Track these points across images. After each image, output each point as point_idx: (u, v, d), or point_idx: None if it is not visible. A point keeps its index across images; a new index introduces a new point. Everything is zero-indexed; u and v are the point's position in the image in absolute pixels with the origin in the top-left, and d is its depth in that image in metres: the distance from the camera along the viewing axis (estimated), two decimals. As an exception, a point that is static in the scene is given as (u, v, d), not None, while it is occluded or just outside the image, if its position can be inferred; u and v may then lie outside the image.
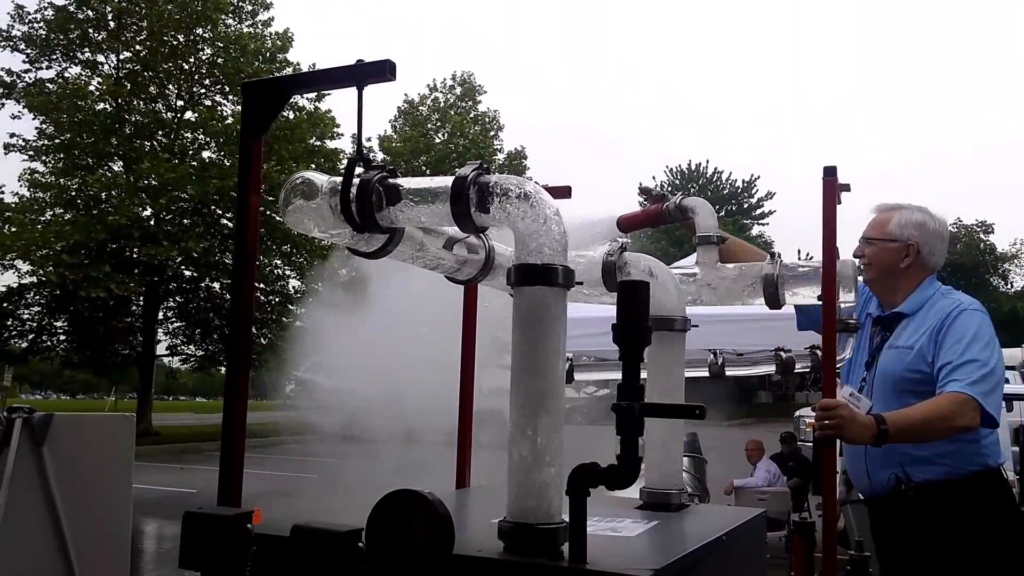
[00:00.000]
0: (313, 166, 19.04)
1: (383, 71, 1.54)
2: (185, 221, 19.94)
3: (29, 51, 19.84)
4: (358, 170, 1.60)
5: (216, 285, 21.49)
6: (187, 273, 20.90)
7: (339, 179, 1.61)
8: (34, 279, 19.50)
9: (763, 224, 45.94)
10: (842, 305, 2.31)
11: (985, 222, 41.88)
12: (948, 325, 2.43)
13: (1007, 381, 2.54)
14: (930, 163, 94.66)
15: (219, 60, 20.70)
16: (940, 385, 2.35)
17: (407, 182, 1.58)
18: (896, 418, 2.30)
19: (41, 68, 20.11)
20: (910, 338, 2.51)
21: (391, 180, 1.58)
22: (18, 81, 19.77)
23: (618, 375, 1.33)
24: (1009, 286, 42.06)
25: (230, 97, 21.26)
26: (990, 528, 2.37)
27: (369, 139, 27.04)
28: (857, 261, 2.68)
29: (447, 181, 1.50)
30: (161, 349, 22.34)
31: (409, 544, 1.20)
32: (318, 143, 21.88)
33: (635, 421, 1.30)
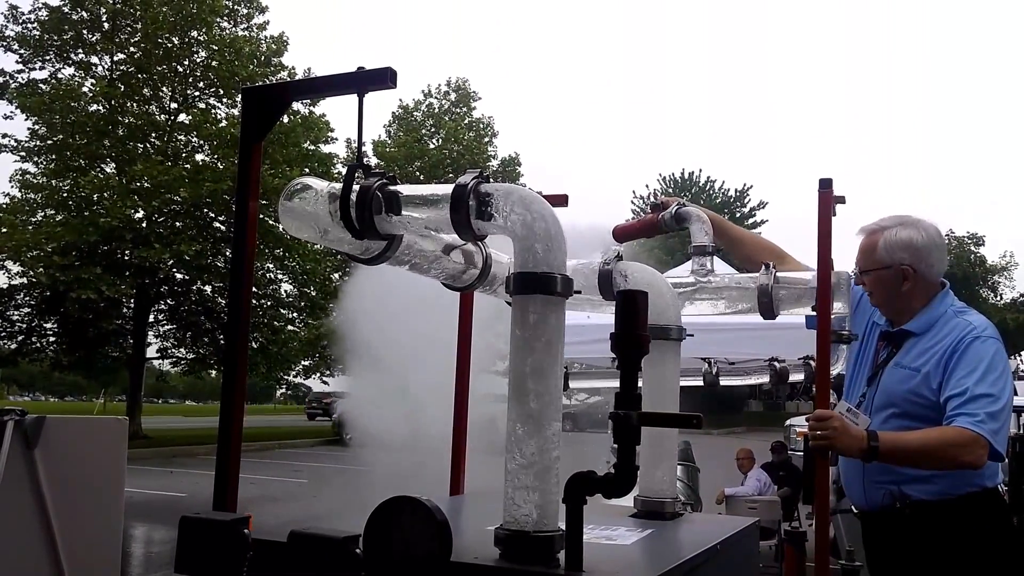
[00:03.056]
0: (307, 170, 19.01)
1: (384, 79, 1.55)
2: (177, 224, 19.87)
3: (22, 51, 19.74)
4: (357, 176, 1.60)
5: (208, 288, 21.42)
6: (179, 276, 20.80)
7: (338, 185, 1.62)
8: (24, 280, 19.39)
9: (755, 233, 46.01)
10: (833, 315, 2.31)
11: (976, 234, 42.15)
12: (960, 352, 2.33)
13: None
14: (922, 175, 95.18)
15: (213, 63, 20.64)
16: (948, 416, 2.26)
17: (406, 189, 1.59)
18: (889, 438, 2.27)
19: (34, 69, 20.03)
20: (917, 359, 2.42)
21: (390, 187, 1.59)
22: (11, 81, 19.68)
23: (609, 383, 1.33)
24: (999, 298, 42.29)
25: (224, 100, 21.21)
26: (985, 547, 2.35)
27: (364, 144, 27.02)
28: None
29: (447, 189, 1.51)
30: (151, 352, 22.24)
31: (406, 550, 1.20)
32: (312, 147, 21.85)
33: (633, 430, 1.30)
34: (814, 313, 2.24)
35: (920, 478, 2.36)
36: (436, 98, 30.30)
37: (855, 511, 2.67)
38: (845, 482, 2.62)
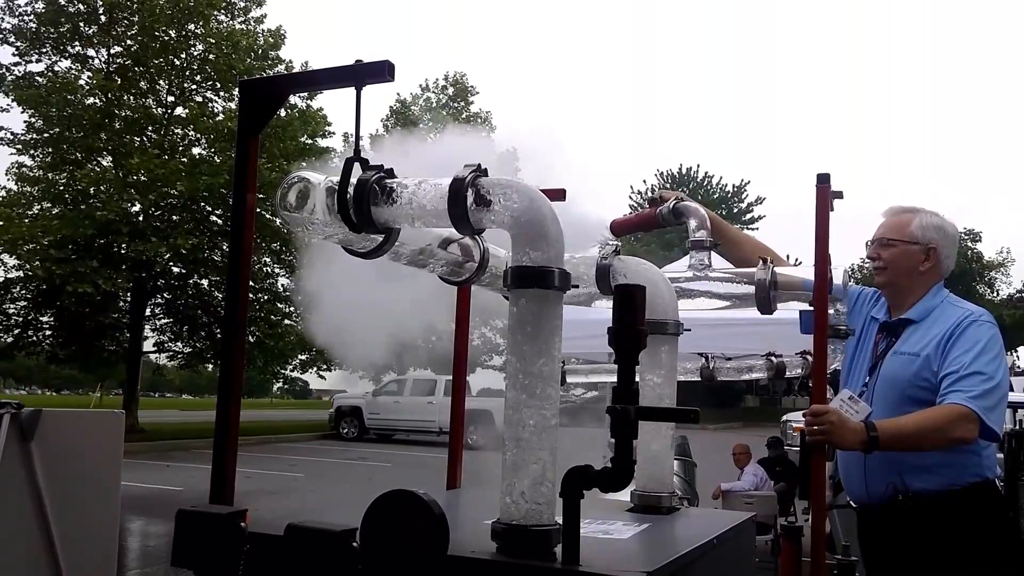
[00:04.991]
0: (304, 164, 18.94)
1: (382, 72, 1.54)
2: (174, 217, 19.81)
3: (19, 44, 19.64)
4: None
5: (204, 282, 21.38)
6: (175, 269, 20.76)
7: (336, 178, 1.61)
8: (20, 274, 19.35)
9: (753, 229, 46.13)
10: (830, 311, 2.31)
11: (973, 231, 42.26)
12: (957, 334, 2.39)
13: None
14: (920, 170, 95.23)
15: (211, 56, 20.56)
16: (942, 394, 2.32)
17: (404, 182, 1.59)
18: (887, 426, 2.29)
19: (31, 61, 19.93)
20: (916, 345, 2.47)
21: (388, 180, 1.59)
22: (7, 74, 19.60)
23: (605, 378, 1.33)
24: (995, 294, 42.44)
25: (221, 94, 21.13)
26: (983, 540, 2.36)
27: (361, 138, 26.93)
28: (870, 264, 2.66)
29: (445, 182, 1.50)
30: (148, 346, 22.20)
31: (404, 544, 1.20)
32: (309, 141, 21.80)
33: (630, 424, 1.30)
34: (809, 308, 2.24)
35: (923, 468, 2.37)
36: (434, 92, 30.29)
37: (853, 505, 2.67)
38: (844, 476, 2.63)
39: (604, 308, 2.13)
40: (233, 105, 20.32)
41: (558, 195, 2.29)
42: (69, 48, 20.21)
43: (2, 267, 19.33)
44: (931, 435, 2.28)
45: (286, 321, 22.04)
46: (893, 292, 2.65)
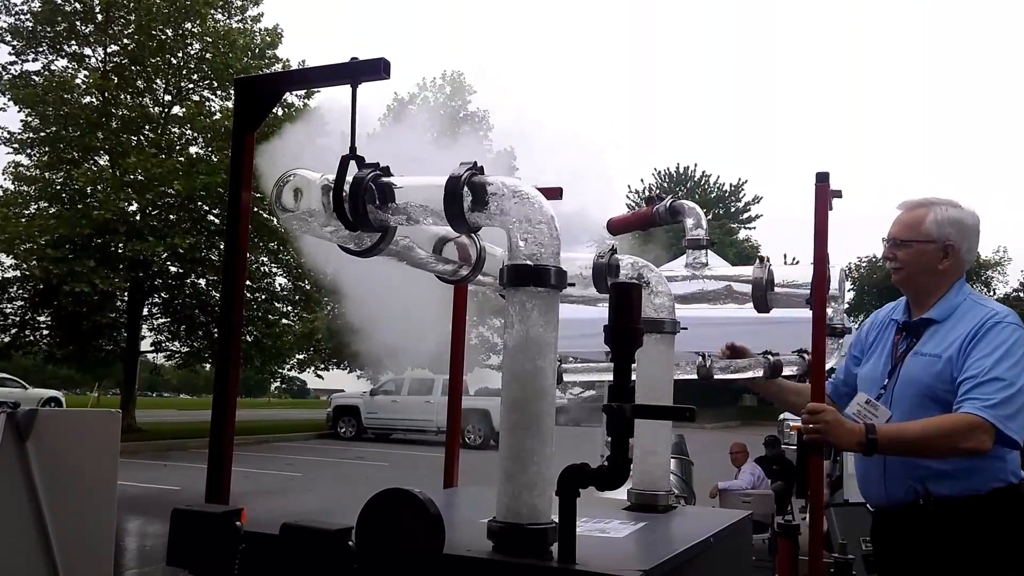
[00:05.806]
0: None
1: (377, 70, 1.54)
2: (171, 217, 19.78)
3: (15, 43, 19.62)
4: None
5: (202, 281, 21.35)
6: (172, 269, 20.73)
7: (332, 176, 1.61)
8: (17, 273, 19.32)
9: (750, 228, 46.22)
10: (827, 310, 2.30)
11: (969, 229, 42.33)
12: (980, 336, 2.27)
13: None
14: (917, 170, 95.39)
15: (208, 55, 20.54)
16: (959, 401, 2.21)
17: (400, 181, 1.59)
18: (889, 430, 2.23)
19: (27, 60, 19.91)
20: (938, 346, 2.35)
21: (384, 179, 1.58)
22: (3, 73, 19.58)
23: (602, 376, 1.33)
24: (992, 293, 42.53)
25: (218, 92, 21.10)
26: (1007, 546, 2.27)
27: (357, 136, 26.86)
28: (887, 264, 2.54)
29: (441, 181, 1.50)
30: (145, 345, 22.17)
31: (400, 543, 1.20)
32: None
33: (626, 422, 1.30)
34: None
35: (945, 473, 2.27)
36: (431, 91, 30.26)
37: (870, 508, 2.60)
38: (862, 478, 2.52)
39: (601, 307, 2.13)
40: (230, 104, 20.29)
41: (555, 193, 2.29)
42: (65, 47, 20.18)
43: (-1, 266, 19.31)
44: (937, 443, 2.21)
45: (284, 320, 22.02)
46: (912, 292, 2.53)
